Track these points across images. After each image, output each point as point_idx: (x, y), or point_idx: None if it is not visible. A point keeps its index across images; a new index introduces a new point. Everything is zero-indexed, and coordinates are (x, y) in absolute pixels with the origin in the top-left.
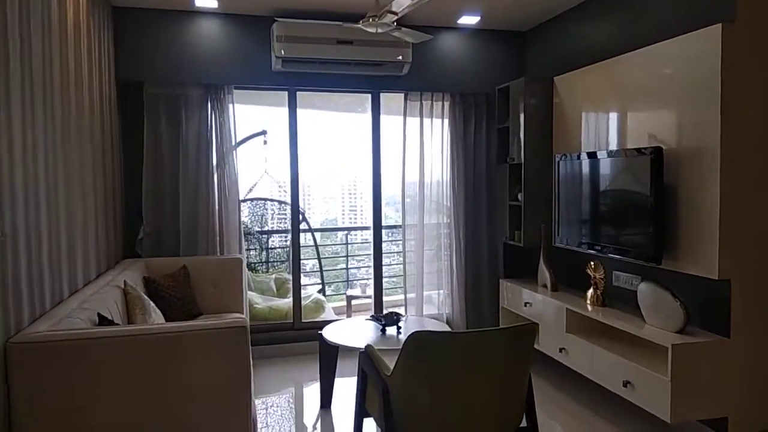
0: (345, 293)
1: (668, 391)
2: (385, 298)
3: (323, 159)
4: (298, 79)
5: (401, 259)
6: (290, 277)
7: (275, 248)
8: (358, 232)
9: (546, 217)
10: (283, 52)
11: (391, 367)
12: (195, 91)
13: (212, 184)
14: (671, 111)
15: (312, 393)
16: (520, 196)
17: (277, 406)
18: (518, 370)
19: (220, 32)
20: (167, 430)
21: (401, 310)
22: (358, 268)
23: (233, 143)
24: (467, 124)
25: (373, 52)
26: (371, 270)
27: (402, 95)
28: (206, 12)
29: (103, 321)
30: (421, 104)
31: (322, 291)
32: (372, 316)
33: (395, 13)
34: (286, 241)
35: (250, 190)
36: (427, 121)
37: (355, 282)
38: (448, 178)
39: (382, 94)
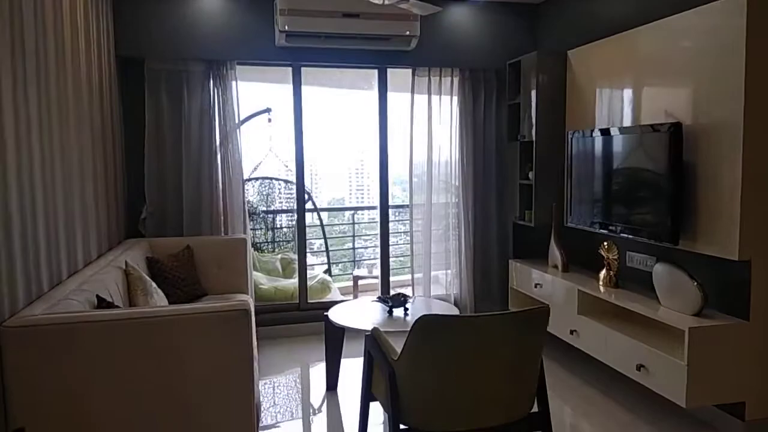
0: (352, 273)
1: (684, 376)
2: (392, 278)
3: (329, 138)
4: (302, 55)
5: (408, 239)
6: (296, 257)
7: (282, 228)
8: (365, 212)
9: (557, 196)
10: (287, 26)
11: (398, 351)
12: (197, 67)
13: (216, 162)
14: (690, 85)
15: (318, 374)
16: (530, 175)
17: (284, 386)
18: (530, 355)
19: (221, 5)
20: (166, 415)
21: (408, 291)
22: (365, 248)
23: (237, 121)
24: (477, 100)
25: (380, 26)
26: (378, 250)
27: (409, 71)
28: None
29: (102, 303)
30: (429, 80)
31: (328, 271)
32: (379, 297)
33: None
34: (292, 220)
35: (255, 168)
36: (435, 98)
37: (362, 262)
38: (457, 157)
39: (389, 70)
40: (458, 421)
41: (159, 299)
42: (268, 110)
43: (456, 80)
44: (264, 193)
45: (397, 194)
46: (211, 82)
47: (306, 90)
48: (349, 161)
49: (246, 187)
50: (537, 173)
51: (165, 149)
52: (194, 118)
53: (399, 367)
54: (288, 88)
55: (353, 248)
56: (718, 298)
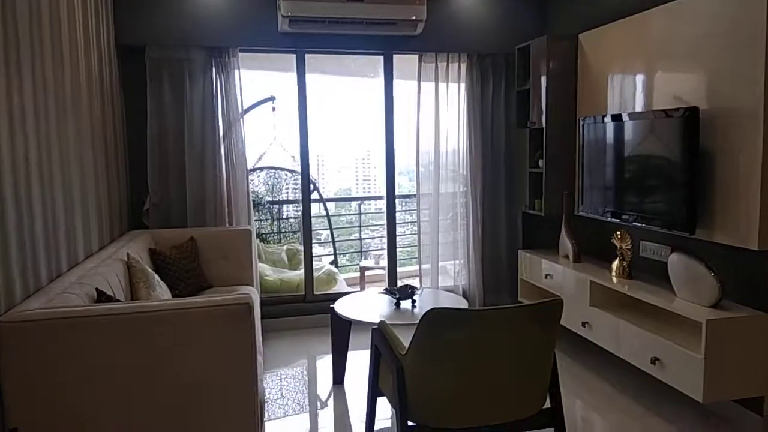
0: (359, 264)
1: (701, 370)
2: (399, 269)
3: (335, 127)
4: (306, 41)
5: (416, 229)
6: (302, 248)
7: (288, 219)
8: (372, 202)
9: (568, 185)
10: (289, 11)
11: (406, 345)
12: (198, 55)
13: (219, 152)
14: (707, 69)
15: (324, 367)
16: (540, 163)
17: (291, 378)
18: (542, 350)
19: None
20: (166, 412)
21: (416, 282)
22: (372, 238)
23: (240, 110)
24: (485, 86)
25: (386, 10)
26: (385, 240)
27: (416, 57)
28: None
29: (102, 297)
30: (437, 66)
31: (334, 262)
32: (386, 289)
33: None
34: (298, 211)
35: (259, 158)
36: (442, 85)
37: (368, 252)
38: (465, 145)
39: (395, 56)
40: (467, 418)
41: (162, 292)
42: (272, 98)
43: (464, 66)
44: (270, 183)
45: (404, 184)
46: (214, 70)
47: (310, 78)
48: (355, 151)
49: (252, 177)
50: (547, 161)
51: (168, 139)
52: (197, 107)
53: (407, 363)
54: (292, 77)
55: (360, 239)
56: (736, 289)
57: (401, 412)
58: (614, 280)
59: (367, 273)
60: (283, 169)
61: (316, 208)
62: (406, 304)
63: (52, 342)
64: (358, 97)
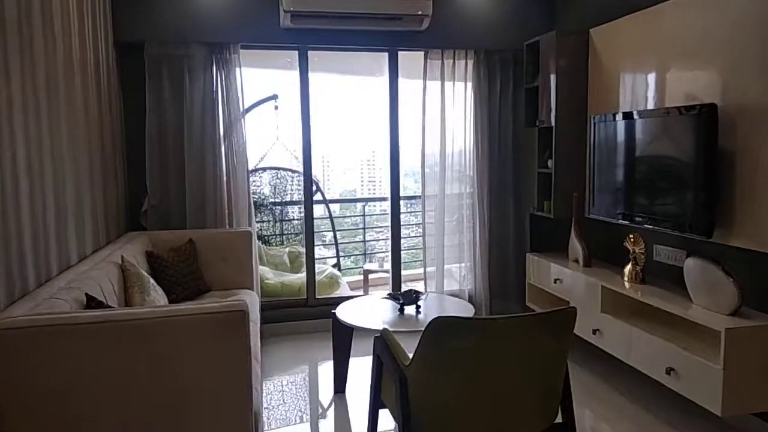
0: (362, 267)
1: (720, 381)
2: (403, 272)
3: (340, 128)
4: (309, 37)
5: (421, 231)
6: (305, 250)
7: (291, 220)
8: (377, 203)
9: (578, 186)
10: (292, 6)
11: (409, 354)
12: (199, 51)
13: (220, 152)
14: (726, 64)
15: (326, 374)
16: (549, 163)
17: (290, 385)
18: (554, 361)
19: None
20: (156, 423)
21: (420, 285)
22: (377, 240)
23: (241, 109)
24: (492, 84)
25: (390, 5)
26: (389, 242)
27: (421, 54)
28: None
29: (92, 302)
30: (443, 63)
31: (337, 265)
32: (389, 294)
33: None
34: (301, 212)
35: (261, 159)
36: (448, 84)
37: (373, 255)
38: (471, 145)
39: (400, 54)
40: None
41: (157, 297)
42: (274, 97)
43: (470, 63)
44: (273, 183)
45: (410, 185)
46: (214, 67)
47: (313, 77)
48: (360, 151)
49: (254, 177)
50: (557, 161)
51: (167, 138)
52: (197, 105)
53: (410, 373)
54: (294, 75)
55: (364, 241)
56: (756, 296)
57: (404, 424)
58: (626, 285)
59: (370, 276)
60: (285, 170)
61: (320, 210)
62: (410, 309)
63: (37, 350)
64: (362, 96)
